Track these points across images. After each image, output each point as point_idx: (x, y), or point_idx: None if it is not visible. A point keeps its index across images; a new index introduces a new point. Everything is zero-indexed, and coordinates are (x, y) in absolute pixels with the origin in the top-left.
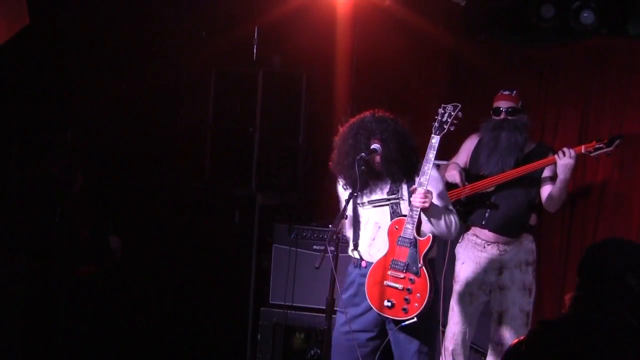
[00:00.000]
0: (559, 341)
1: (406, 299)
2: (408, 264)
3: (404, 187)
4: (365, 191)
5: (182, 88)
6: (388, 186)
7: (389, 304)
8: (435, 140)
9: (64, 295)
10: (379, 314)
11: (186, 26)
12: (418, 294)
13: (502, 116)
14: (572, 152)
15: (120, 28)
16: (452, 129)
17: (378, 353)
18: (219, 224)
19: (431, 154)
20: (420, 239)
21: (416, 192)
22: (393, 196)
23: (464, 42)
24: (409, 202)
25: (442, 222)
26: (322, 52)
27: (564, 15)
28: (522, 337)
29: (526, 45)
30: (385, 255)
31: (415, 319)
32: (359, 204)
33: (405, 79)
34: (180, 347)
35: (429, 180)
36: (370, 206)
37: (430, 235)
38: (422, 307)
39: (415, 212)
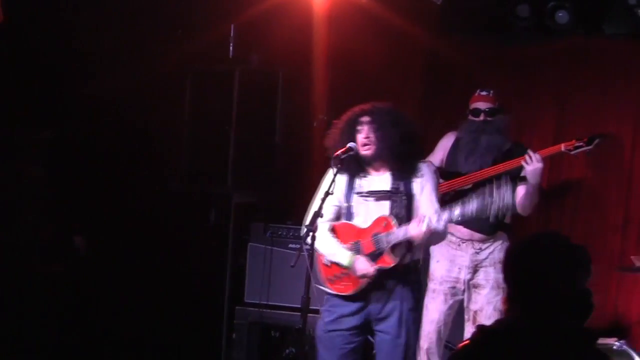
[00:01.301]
0: (500, 351)
1: (337, 277)
2: None
3: (404, 184)
4: (361, 179)
5: (158, 86)
6: (390, 179)
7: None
8: None
9: (29, 293)
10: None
11: (162, 24)
12: (348, 283)
13: (481, 117)
14: (538, 156)
15: (96, 26)
16: None
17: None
18: (195, 223)
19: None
20: (386, 256)
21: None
22: (396, 191)
23: (440, 41)
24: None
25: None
26: (299, 50)
27: (539, 15)
28: (466, 341)
29: (502, 45)
30: (356, 229)
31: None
32: (357, 193)
33: (382, 78)
34: (154, 347)
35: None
36: (372, 198)
37: (395, 263)
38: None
39: (406, 236)
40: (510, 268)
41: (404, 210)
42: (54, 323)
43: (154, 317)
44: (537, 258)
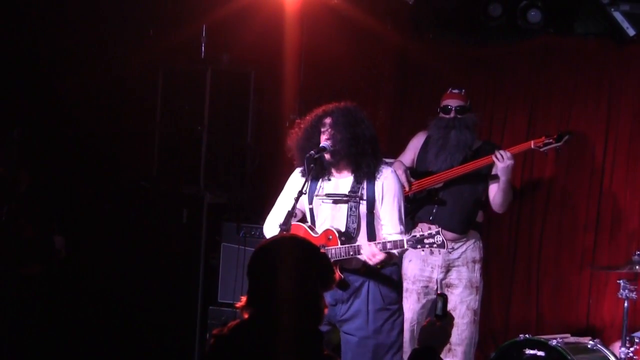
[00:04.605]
0: (231, 356)
1: None
2: None
3: (365, 187)
4: (324, 182)
5: (130, 86)
6: (350, 183)
7: None
8: None
9: (9, 294)
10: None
11: (134, 24)
12: None
13: (451, 115)
14: (508, 153)
15: (68, 25)
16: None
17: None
18: (167, 223)
19: None
20: None
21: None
22: (354, 195)
23: (412, 41)
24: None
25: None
26: (270, 50)
27: (511, 14)
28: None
29: (474, 44)
30: (307, 235)
31: None
32: (316, 196)
33: (354, 78)
34: (127, 347)
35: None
36: (330, 200)
37: None
38: None
39: (355, 257)
40: (247, 271)
41: (362, 215)
42: (32, 323)
43: (128, 318)
44: (267, 261)
